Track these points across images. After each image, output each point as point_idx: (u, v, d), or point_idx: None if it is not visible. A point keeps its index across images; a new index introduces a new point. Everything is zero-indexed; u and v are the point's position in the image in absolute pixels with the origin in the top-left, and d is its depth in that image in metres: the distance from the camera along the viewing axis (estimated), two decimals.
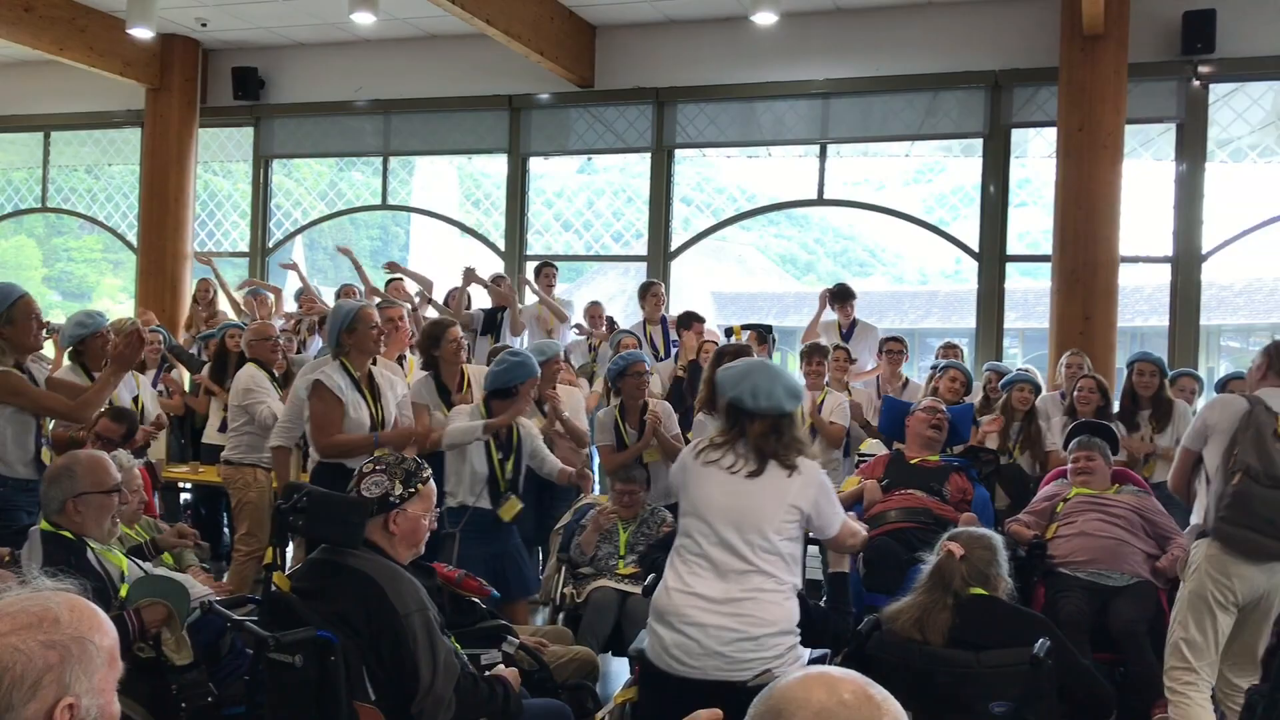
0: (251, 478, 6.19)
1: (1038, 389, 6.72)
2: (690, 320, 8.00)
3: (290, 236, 12.03)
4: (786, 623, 3.30)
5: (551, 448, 6.18)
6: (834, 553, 3.78)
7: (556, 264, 9.50)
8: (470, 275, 8.88)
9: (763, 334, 7.36)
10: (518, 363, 5.05)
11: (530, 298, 9.18)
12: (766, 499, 3.34)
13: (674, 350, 8.31)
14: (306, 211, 12.16)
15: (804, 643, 3.45)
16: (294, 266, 9.85)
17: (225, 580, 5.78)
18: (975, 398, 7.16)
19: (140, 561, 3.95)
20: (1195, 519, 4.30)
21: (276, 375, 6.46)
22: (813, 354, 7.10)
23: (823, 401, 6.81)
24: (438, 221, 12.44)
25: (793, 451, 3.40)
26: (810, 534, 3.67)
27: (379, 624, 3.03)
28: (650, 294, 8.74)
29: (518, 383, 5.01)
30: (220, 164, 12.38)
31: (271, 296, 9.61)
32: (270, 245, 11.87)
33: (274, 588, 3.16)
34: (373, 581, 3.06)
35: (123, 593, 3.51)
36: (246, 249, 11.84)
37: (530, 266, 10.49)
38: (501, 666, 3.47)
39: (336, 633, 2.98)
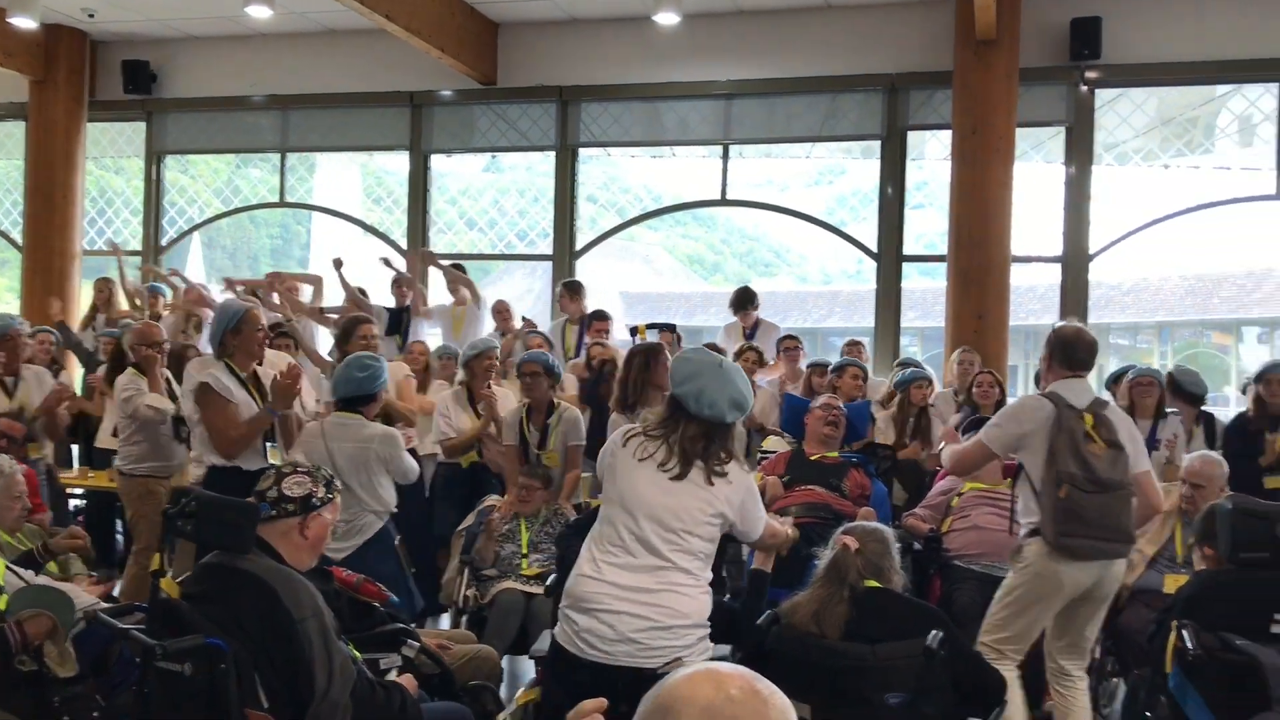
0: (145, 489, 5.99)
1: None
2: (591, 320, 8.05)
3: (185, 234, 11.73)
4: (699, 615, 3.31)
5: (482, 449, 6.15)
6: (757, 552, 3.78)
7: (462, 264, 9.41)
8: (338, 264, 8.73)
9: (669, 332, 7.43)
10: (373, 373, 4.84)
11: (440, 300, 9.06)
12: (692, 502, 3.32)
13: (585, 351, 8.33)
14: (203, 209, 11.86)
15: (711, 637, 3.48)
16: (175, 273, 9.64)
17: (119, 594, 5.59)
18: (877, 395, 7.30)
19: (20, 571, 3.81)
20: (1023, 518, 4.36)
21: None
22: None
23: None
24: (341, 220, 12.25)
25: (723, 460, 3.36)
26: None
27: (273, 629, 2.97)
28: (569, 293, 8.74)
29: (373, 392, 4.82)
30: (112, 160, 12.01)
31: (169, 292, 9.33)
32: (164, 243, 11.55)
33: (162, 594, 3.08)
34: (266, 586, 3.00)
35: (1, 605, 3.38)
36: (139, 247, 11.49)
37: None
38: (395, 673, 3.43)
39: (227, 639, 2.91)
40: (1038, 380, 6.80)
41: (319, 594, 3.10)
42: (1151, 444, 6.30)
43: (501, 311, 8.75)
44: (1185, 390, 6.66)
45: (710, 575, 3.43)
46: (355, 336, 5.70)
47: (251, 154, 11.92)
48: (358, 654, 3.23)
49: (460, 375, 6.50)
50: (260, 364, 5.13)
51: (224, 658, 2.87)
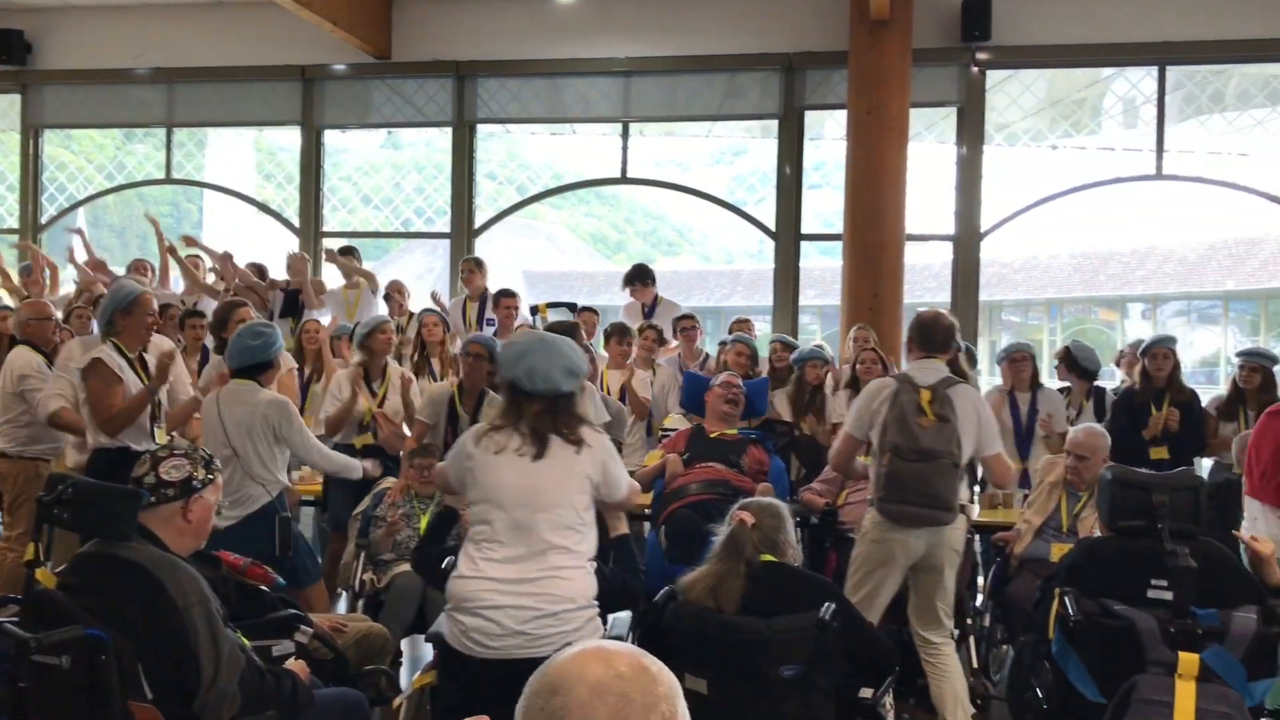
0: (34, 472, 5.79)
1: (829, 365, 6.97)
2: (499, 297, 7.99)
3: (66, 211, 11.29)
4: (584, 597, 3.32)
5: (377, 431, 6.05)
6: (612, 518, 3.77)
7: (355, 243, 9.24)
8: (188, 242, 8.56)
9: (571, 311, 7.40)
10: (266, 340, 4.82)
11: (335, 282, 8.89)
12: (557, 476, 3.35)
13: (487, 327, 8.25)
14: (85, 185, 11.43)
15: (605, 609, 3.49)
16: (80, 232, 9.26)
17: None
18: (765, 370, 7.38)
19: None
20: (868, 494, 4.62)
21: (52, 359, 6.05)
22: (616, 334, 7.20)
23: (628, 380, 6.95)
24: (233, 197, 11.93)
25: (574, 427, 3.41)
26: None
27: (156, 618, 2.89)
28: (467, 270, 8.64)
29: (267, 359, 4.81)
30: None
31: (48, 272, 8.98)
32: (44, 221, 11.11)
33: (38, 585, 2.97)
34: (148, 573, 2.91)
35: None
36: (16, 225, 11.03)
37: (326, 244, 10.22)
38: (293, 660, 3.36)
39: (108, 630, 2.82)
40: (1000, 358, 7.00)
41: (204, 580, 3.02)
42: (1032, 415, 6.52)
43: (396, 293, 8.59)
44: (1080, 365, 6.89)
45: (592, 549, 3.45)
46: (232, 322, 5.71)
47: (137, 129, 11.51)
48: (246, 642, 3.16)
49: (357, 356, 6.39)
50: (145, 349, 5.10)
51: (104, 649, 2.78)
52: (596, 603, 3.37)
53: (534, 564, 3.27)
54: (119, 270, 8.96)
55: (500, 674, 3.17)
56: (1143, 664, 3.28)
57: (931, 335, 4.54)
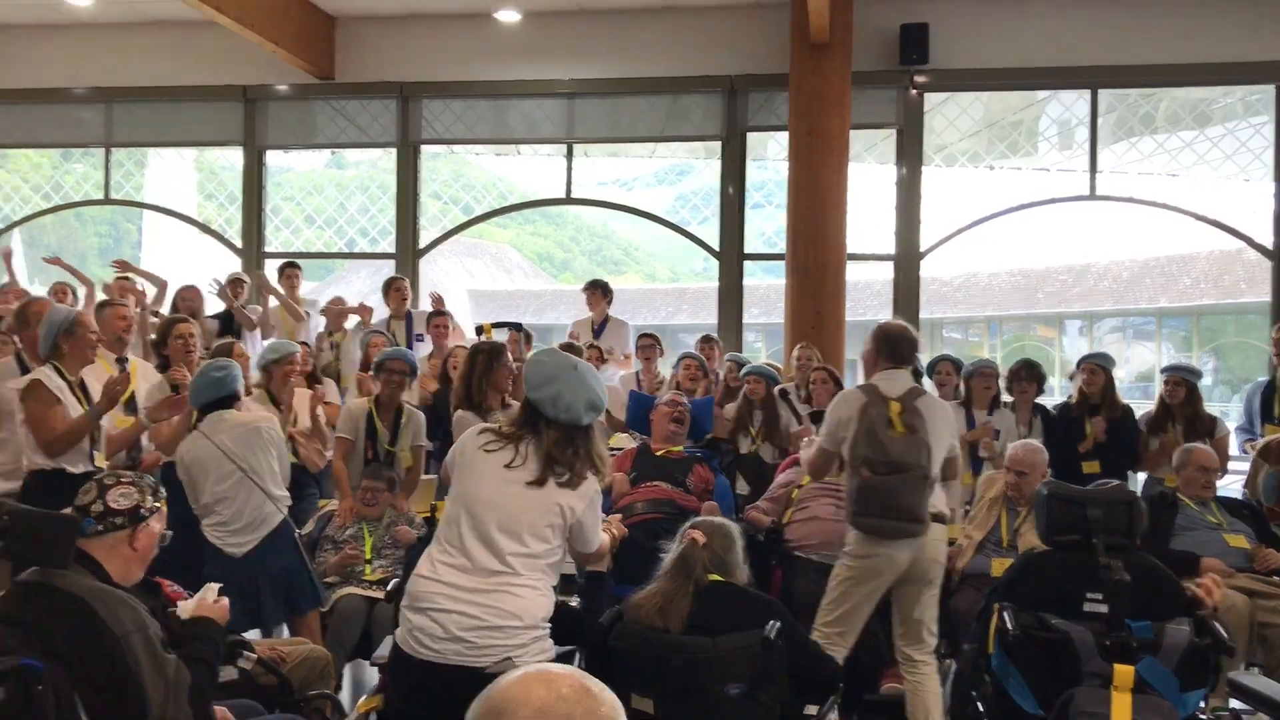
0: None
1: (773, 381, 7.01)
2: (430, 317, 8.01)
3: (2, 231, 11.08)
4: (532, 616, 3.28)
5: (297, 449, 6.00)
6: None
7: (299, 263, 9.14)
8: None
9: (515, 331, 7.39)
10: (229, 372, 4.94)
11: (272, 300, 8.82)
12: (531, 503, 3.30)
13: (417, 343, 8.23)
14: (21, 205, 11.24)
15: (556, 639, 3.47)
16: (8, 254, 9.08)
17: None
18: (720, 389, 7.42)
19: None
20: (847, 506, 4.56)
21: None
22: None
23: None
24: (173, 218, 11.79)
25: (585, 466, 3.36)
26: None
27: (94, 649, 2.85)
28: (394, 289, 8.61)
29: (234, 390, 4.92)
30: None
31: None
32: None
33: None
34: (83, 603, 2.87)
35: None
36: None
37: (270, 265, 10.12)
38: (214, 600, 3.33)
39: (44, 660, 2.77)
40: (928, 370, 7.08)
41: (142, 606, 2.98)
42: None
43: (333, 311, 8.53)
44: (1040, 374, 6.99)
45: (554, 576, 3.43)
46: (172, 337, 5.75)
47: (74, 149, 11.34)
48: None
49: (256, 378, 6.34)
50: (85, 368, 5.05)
51: (40, 679, 2.73)
52: (547, 624, 3.35)
53: (488, 576, 3.24)
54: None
55: (439, 679, 3.16)
56: (1079, 676, 3.35)
57: (898, 347, 4.55)
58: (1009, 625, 3.46)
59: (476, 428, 3.50)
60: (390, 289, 8.65)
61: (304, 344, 7.25)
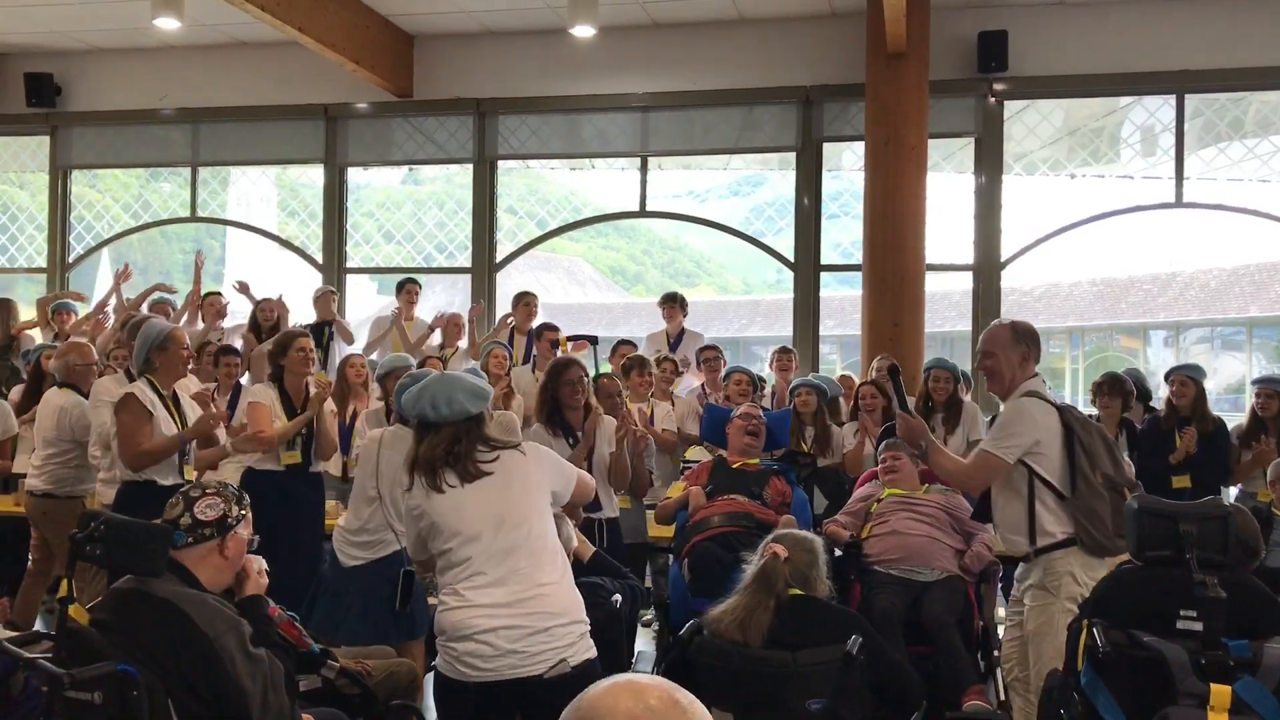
0: (76, 511, 5.82)
1: (823, 393, 6.95)
2: (540, 331, 8.08)
3: (93, 250, 11.44)
4: (573, 612, 3.31)
5: None
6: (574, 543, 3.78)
7: (379, 279, 9.30)
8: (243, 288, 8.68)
9: (592, 344, 7.44)
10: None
11: (363, 310, 9.00)
12: (516, 490, 3.32)
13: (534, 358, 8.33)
14: (111, 224, 11.58)
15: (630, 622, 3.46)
16: (128, 275, 9.32)
17: (14, 614, 5.46)
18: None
19: None
20: (1054, 527, 4.05)
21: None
22: (635, 368, 7.21)
23: (651, 413, 6.95)
24: (255, 235, 12.08)
25: (488, 448, 3.36)
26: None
27: (189, 653, 2.91)
28: (523, 303, 8.73)
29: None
30: (15, 174, 11.68)
31: (78, 307, 9.07)
32: (70, 260, 11.25)
33: (70, 622, 2.99)
34: (176, 608, 2.94)
35: None
36: (44, 264, 11.18)
37: (352, 281, 10.40)
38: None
39: (139, 666, 2.84)
40: (965, 380, 6.95)
41: (230, 607, 3.06)
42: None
43: (450, 325, 8.68)
44: (1142, 387, 6.83)
45: (568, 565, 3.44)
46: (292, 350, 5.61)
47: (162, 168, 11.67)
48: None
49: (377, 392, 6.45)
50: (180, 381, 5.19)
51: (136, 685, 2.80)
52: (587, 621, 3.36)
53: (519, 585, 3.25)
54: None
55: (495, 695, 3.17)
56: (1173, 696, 3.25)
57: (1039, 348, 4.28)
58: (1099, 642, 3.37)
59: (403, 494, 3.55)
60: (519, 303, 8.76)
61: (435, 359, 7.31)
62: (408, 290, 9.10)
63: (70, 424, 5.95)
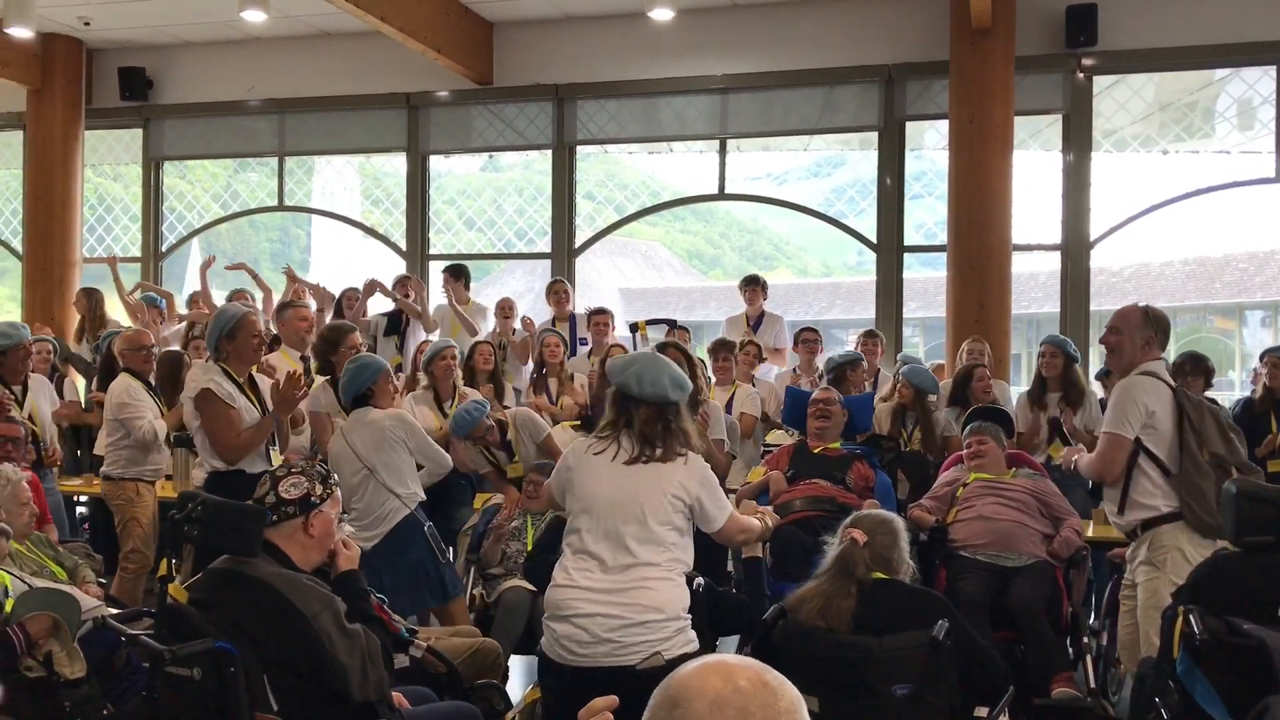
0: (134, 493, 6.03)
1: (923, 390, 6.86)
2: (591, 315, 8.10)
3: (184, 240, 11.75)
4: (672, 607, 3.34)
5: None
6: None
7: (462, 265, 9.29)
8: (372, 287, 8.68)
9: (671, 328, 7.44)
10: (372, 369, 5.09)
11: (442, 298, 9.03)
12: (648, 487, 3.39)
13: (580, 347, 8.34)
14: (201, 214, 11.87)
15: (720, 630, 3.50)
16: (210, 263, 9.58)
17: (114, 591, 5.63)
18: (886, 386, 7.29)
19: (24, 576, 3.82)
20: (1155, 501, 4.11)
21: (153, 385, 6.29)
22: (719, 350, 7.20)
23: (733, 396, 6.93)
24: (340, 222, 12.30)
25: (677, 442, 3.45)
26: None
27: (287, 632, 2.99)
28: (553, 292, 8.75)
29: (371, 384, 5.04)
30: (110, 166, 12.02)
31: (164, 301, 9.35)
32: (163, 249, 11.56)
33: (170, 600, 3.09)
34: (272, 588, 3.02)
35: (7, 608, 3.39)
36: (139, 254, 11.50)
37: (435, 267, 10.43)
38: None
39: (235, 643, 2.92)
40: (1069, 364, 6.76)
41: (324, 585, 3.13)
42: None
43: (502, 309, 8.68)
44: (1206, 368, 6.67)
45: (688, 563, 3.47)
46: (343, 346, 5.81)
47: (249, 158, 11.92)
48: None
49: (423, 380, 6.51)
50: (257, 368, 5.24)
51: (233, 661, 2.88)
52: (688, 615, 3.38)
53: (622, 574, 3.32)
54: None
55: (590, 681, 3.20)
56: (1275, 684, 3.16)
57: (1168, 334, 4.32)
58: (1196, 630, 3.29)
59: (577, 444, 3.63)
60: (550, 293, 8.78)
61: (486, 343, 7.38)
62: (458, 275, 9.05)
63: (113, 407, 6.15)
